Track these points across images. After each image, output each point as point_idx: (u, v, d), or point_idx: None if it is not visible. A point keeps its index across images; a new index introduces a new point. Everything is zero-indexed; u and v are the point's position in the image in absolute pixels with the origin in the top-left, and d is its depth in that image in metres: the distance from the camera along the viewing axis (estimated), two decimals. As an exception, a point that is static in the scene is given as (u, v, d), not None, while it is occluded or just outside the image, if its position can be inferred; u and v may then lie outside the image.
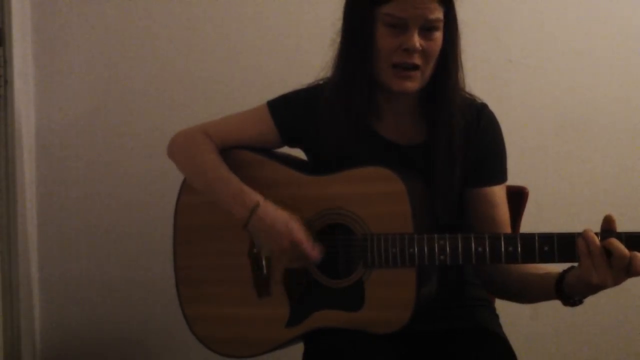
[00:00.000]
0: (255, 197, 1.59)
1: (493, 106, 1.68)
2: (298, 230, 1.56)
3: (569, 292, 1.45)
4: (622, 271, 1.35)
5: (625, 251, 1.35)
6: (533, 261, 1.44)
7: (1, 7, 2.10)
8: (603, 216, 1.41)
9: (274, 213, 1.57)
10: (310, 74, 1.70)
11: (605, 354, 2.44)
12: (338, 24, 1.62)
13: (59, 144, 2.28)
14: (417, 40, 1.51)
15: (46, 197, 2.28)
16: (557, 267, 1.47)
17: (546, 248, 1.42)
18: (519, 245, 1.44)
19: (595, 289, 1.39)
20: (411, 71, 1.54)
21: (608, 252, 1.36)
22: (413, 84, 1.56)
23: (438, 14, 1.52)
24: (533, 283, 1.54)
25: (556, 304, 1.53)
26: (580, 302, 1.47)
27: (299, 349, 1.66)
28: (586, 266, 1.37)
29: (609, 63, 2.38)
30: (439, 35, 1.54)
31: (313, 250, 1.56)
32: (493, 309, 1.76)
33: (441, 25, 1.54)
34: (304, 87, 1.71)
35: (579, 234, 1.39)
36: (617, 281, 1.37)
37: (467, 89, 1.65)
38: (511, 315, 1.89)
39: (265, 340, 1.65)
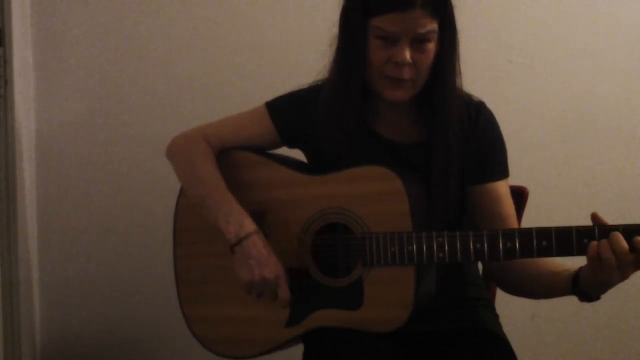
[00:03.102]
0: (252, 225, 1.57)
1: (493, 106, 1.68)
2: (281, 268, 1.56)
3: (585, 289, 1.47)
4: (631, 265, 1.39)
5: (626, 246, 1.37)
6: (531, 256, 1.46)
7: (1, 7, 2.09)
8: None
9: (267, 245, 1.57)
10: (309, 75, 1.70)
11: (605, 354, 2.43)
12: (336, 27, 1.61)
13: (59, 144, 2.28)
14: (407, 54, 1.51)
15: (46, 197, 2.29)
16: (573, 262, 1.48)
17: (544, 243, 1.43)
18: (517, 240, 1.45)
19: (606, 284, 1.43)
20: (402, 82, 1.54)
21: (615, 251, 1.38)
22: (404, 94, 1.56)
23: (430, 26, 1.51)
24: (549, 280, 1.55)
25: (556, 304, 1.53)
26: (597, 297, 1.49)
27: (299, 349, 1.66)
28: (593, 267, 1.41)
29: (609, 63, 2.38)
30: (431, 46, 1.53)
31: (286, 292, 1.56)
32: (493, 309, 1.76)
33: (434, 36, 1.53)
34: (302, 87, 1.71)
35: (578, 230, 1.42)
36: (625, 276, 1.40)
37: (467, 89, 1.64)
38: (511, 315, 1.89)
39: (264, 340, 1.64)
